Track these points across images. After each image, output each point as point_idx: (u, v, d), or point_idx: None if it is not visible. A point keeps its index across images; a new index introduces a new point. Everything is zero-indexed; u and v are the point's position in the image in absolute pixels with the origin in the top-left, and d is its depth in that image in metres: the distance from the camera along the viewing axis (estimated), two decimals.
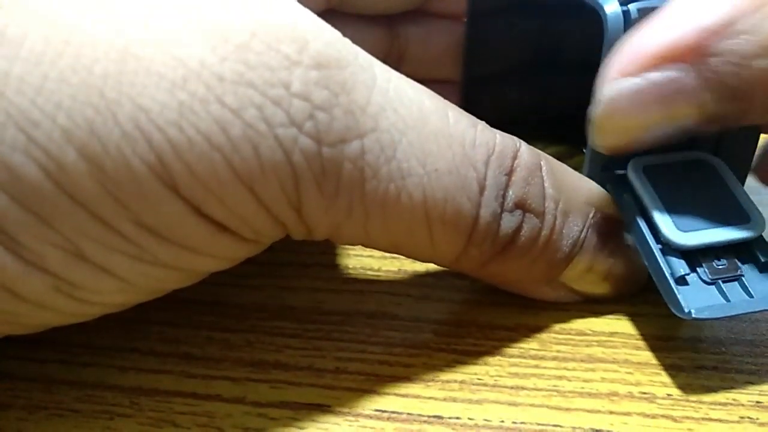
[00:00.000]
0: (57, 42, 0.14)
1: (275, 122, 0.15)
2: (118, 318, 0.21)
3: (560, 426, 0.17)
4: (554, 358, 0.19)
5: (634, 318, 0.20)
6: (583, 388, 0.18)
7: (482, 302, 0.21)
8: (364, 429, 0.17)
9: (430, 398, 0.18)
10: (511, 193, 0.18)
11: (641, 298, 0.21)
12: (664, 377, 0.18)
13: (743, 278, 0.18)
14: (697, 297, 0.18)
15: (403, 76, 0.17)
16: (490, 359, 0.19)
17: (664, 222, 0.18)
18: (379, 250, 0.19)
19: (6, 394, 0.18)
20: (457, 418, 0.17)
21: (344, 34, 0.25)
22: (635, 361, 0.19)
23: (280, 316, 0.21)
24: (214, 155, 0.15)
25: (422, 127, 0.17)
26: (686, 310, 0.17)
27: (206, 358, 0.19)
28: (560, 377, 0.18)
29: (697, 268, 0.18)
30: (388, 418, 0.17)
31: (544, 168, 0.19)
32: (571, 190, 0.19)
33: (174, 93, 0.14)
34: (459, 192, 0.17)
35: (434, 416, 0.17)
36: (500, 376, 0.19)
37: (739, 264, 0.18)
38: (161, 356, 0.19)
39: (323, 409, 0.18)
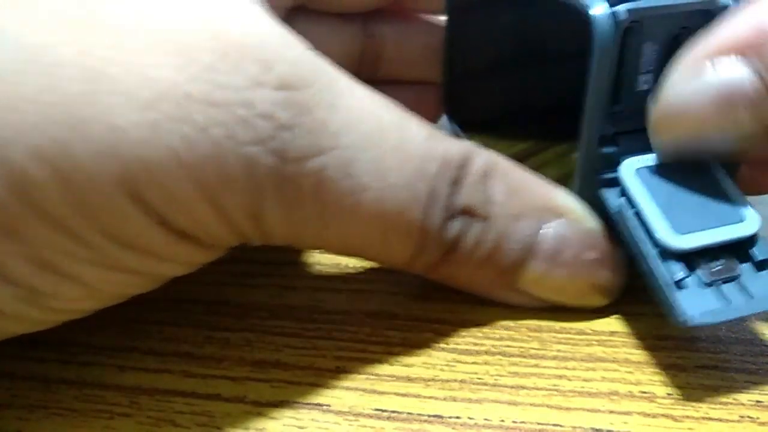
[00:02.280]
0: (29, 61, 0.14)
1: (241, 140, 0.15)
2: (117, 317, 0.21)
3: (560, 425, 0.17)
4: (554, 358, 0.19)
5: (635, 317, 0.20)
6: (583, 387, 0.18)
7: (482, 301, 0.21)
8: (364, 428, 0.17)
9: (430, 397, 0.18)
10: (457, 199, 0.18)
11: (641, 297, 0.21)
12: (665, 376, 0.18)
13: (741, 278, 0.18)
14: (696, 301, 0.17)
15: (366, 89, 0.18)
16: (490, 358, 0.19)
17: (660, 225, 0.18)
18: (335, 254, 0.20)
19: (5, 393, 0.18)
20: (457, 417, 0.17)
21: (315, 33, 0.25)
22: (635, 361, 0.19)
23: (280, 315, 0.21)
24: (180, 172, 0.15)
25: (381, 144, 0.17)
26: (684, 318, 0.17)
27: (206, 358, 0.19)
28: (560, 376, 0.18)
29: (696, 270, 0.18)
30: (388, 418, 0.17)
31: (494, 172, 0.19)
32: (524, 194, 0.19)
33: (145, 112, 0.15)
34: (412, 204, 0.18)
35: (434, 415, 0.17)
36: (500, 375, 0.19)
37: (737, 263, 0.18)
38: (161, 355, 0.19)
39: (323, 408, 0.18)
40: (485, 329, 0.20)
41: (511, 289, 0.20)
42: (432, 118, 0.31)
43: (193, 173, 0.15)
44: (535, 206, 0.19)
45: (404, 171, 0.17)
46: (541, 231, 0.19)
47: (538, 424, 0.17)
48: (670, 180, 0.19)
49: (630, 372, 0.18)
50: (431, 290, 0.21)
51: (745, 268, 0.18)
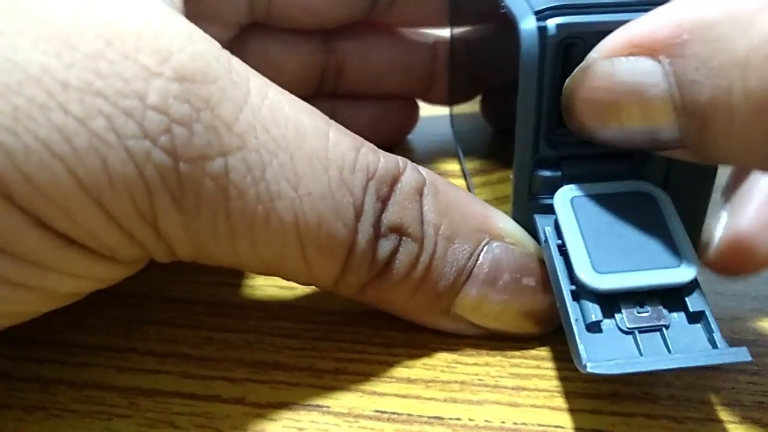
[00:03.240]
0: None
1: (126, 134, 0.14)
2: (116, 318, 0.21)
3: (562, 427, 0.17)
4: (555, 359, 0.19)
5: None
6: (584, 388, 0.18)
7: None
8: (363, 430, 0.17)
9: (430, 399, 0.18)
10: (387, 216, 0.17)
11: None
12: (667, 378, 0.18)
13: (666, 329, 0.16)
14: (605, 347, 0.16)
15: (284, 93, 0.17)
16: (491, 360, 0.19)
17: (580, 261, 0.16)
18: (253, 272, 0.18)
19: (4, 394, 0.18)
20: (458, 419, 0.17)
21: (272, 49, 0.24)
22: None
23: (280, 316, 0.21)
24: (55, 165, 0.14)
25: (296, 149, 0.16)
26: (582, 363, 0.15)
27: (205, 359, 0.19)
28: (562, 378, 0.18)
29: (616, 314, 0.16)
30: (388, 419, 0.17)
31: (426, 191, 0.18)
32: (459, 216, 0.18)
33: (7, 97, 0.14)
34: (334, 217, 0.17)
35: (435, 417, 0.17)
36: (501, 376, 0.18)
37: (666, 312, 0.16)
38: (160, 356, 0.19)
39: (323, 409, 0.18)
40: None
41: (446, 315, 0.19)
42: (399, 133, 0.31)
43: (69, 168, 0.14)
44: (472, 228, 0.18)
45: (323, 181, 0.16)
46: (477, 254, 0.18)
47: (540, 425, 0.17)
48: (607, 213, 0.17)
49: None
50: None
51: (676, 319, 0.16)
